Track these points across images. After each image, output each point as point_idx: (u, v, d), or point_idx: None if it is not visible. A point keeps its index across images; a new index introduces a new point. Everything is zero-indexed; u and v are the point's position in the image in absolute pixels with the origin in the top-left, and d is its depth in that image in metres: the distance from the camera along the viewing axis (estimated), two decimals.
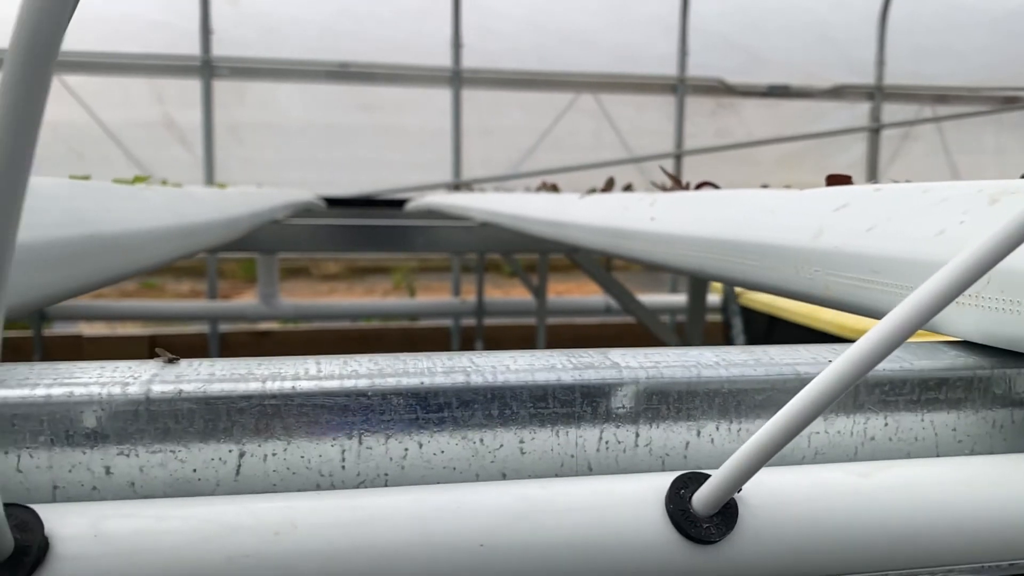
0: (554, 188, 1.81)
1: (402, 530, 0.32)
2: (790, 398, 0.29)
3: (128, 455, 0.35)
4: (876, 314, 0.48)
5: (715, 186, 0.98)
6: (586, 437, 0.38)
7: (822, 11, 6.01)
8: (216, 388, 0.35)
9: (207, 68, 5.60)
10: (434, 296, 6.48)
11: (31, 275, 0.49)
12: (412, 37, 5.88)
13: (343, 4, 5.70)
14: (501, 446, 0.38)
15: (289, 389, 0.36)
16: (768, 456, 0.29)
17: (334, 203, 4.39)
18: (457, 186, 5.40)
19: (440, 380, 0.37)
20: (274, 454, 0.36)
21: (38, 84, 0.21)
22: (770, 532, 0.32)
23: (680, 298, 4.53)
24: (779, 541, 0.32)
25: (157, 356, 0.38)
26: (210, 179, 5.39)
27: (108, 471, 0.35)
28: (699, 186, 0.99)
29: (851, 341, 0.29)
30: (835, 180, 0.64)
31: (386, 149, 5.77)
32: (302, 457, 0.36)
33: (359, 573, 0.30)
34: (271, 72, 5.65)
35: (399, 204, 4.45)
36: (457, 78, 5.72)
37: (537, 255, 3.78)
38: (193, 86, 5.63)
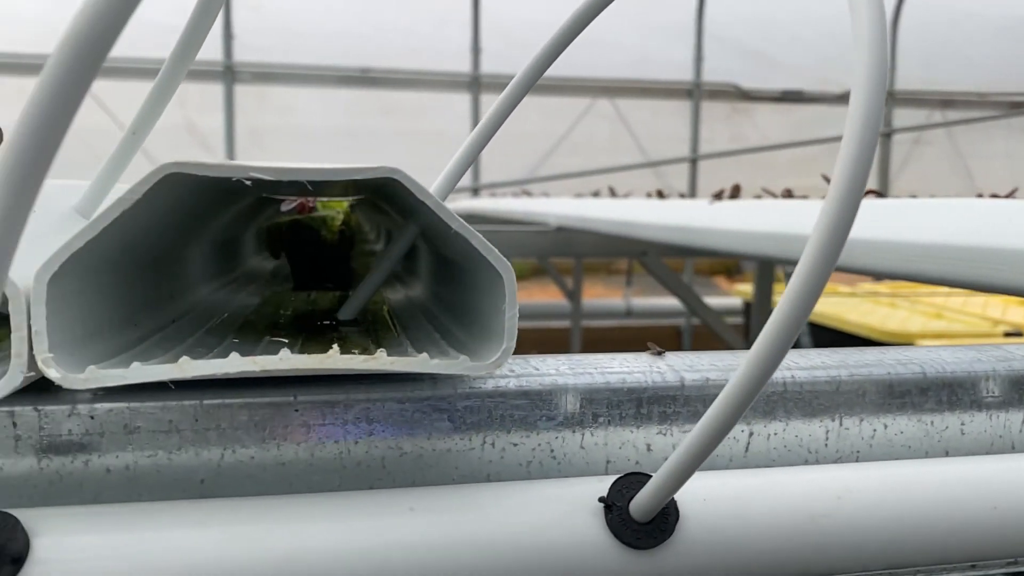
0: (659, 194, 1.88)
1: (926, 500, 0.38)
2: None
3: (665, 434, 0.41)
4: None
5: (880, 194, 1.04)
6: (1012, 420, 0.44)
7: (834, 18, 6.10)
8: (719, 377, 0.42)
9: (229, 73, 5.63)
10: None
11: None
12: (431, 42, 5.93)
13: (364, 10, 5.74)
14: (946, 428, 0.44)
15: (788, 378, 0.42)
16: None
17: None
18: (476, 190, 5.46)
19: (901, 371, 0.44)
20: (775, 433, 0.42)
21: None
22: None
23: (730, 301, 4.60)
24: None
25: (648, 349, 0.45)
26: None
27: (648, 448, 0.41)
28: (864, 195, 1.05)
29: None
30: None
31: (406, 153, 5.82)
32: (796, 436, 0.43)
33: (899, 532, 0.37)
34: (292, 77, 5.68)
35: None
36: (476, 83, 5.79)
37: (573, 259, 3.83)
38: (215, 91, 5.66)
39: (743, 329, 3.49)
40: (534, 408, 0.40)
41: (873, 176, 5.91)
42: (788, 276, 0.35)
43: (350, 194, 0.60)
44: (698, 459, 0.32)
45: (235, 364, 0.32)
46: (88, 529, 0.32)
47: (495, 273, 0.34)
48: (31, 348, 0.31)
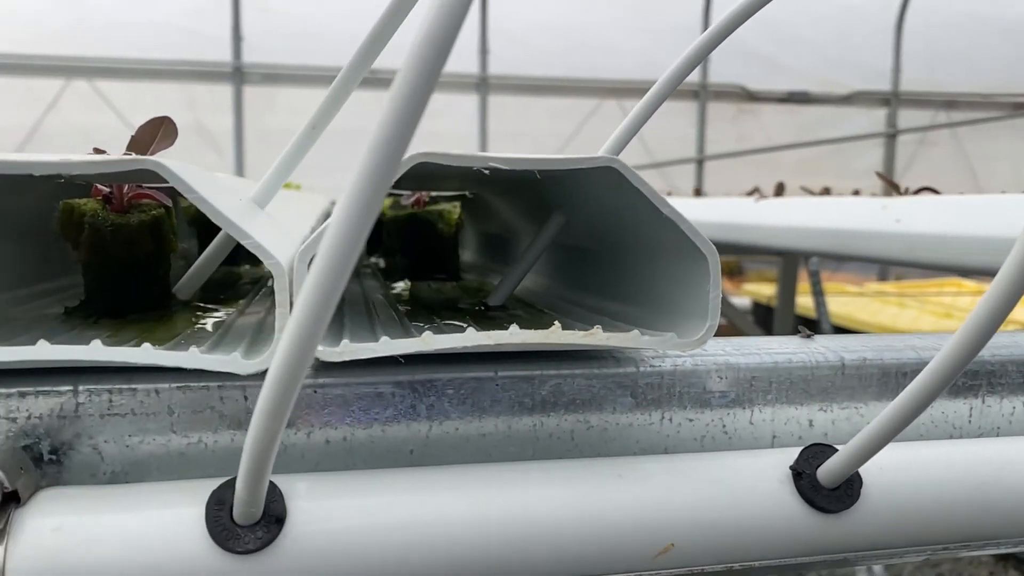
0: (696, 193, 1.90)
1: None
2: None
3: (825, 411, 0.44)
4: None
5: (935, 191, 1.07)
6: None
7: (840, 20, 6.14)
8: (875, 358, 0.44)
9: (238, 74, 5.65)
10: None
11: None
12: None
13: (371, 12, 5.75)
14: None
15: None
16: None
17: None
18: None
19: None
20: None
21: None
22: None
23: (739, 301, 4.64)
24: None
25: (798, 333, 0.47)
26: None
27: (811, 423, 0.44)
28: (917, 191, 1.08)
29: None
30: None
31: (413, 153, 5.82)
32: (942, 412, 0.45)
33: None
34: (301, 78, 5.70)
35: None
36: (484, 84, 5.81)
37: None
38: (224, 92, 5.68)
39: (763, 326, 3.52)
40: (708, 386, 0.42)
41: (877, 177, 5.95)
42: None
43: (476, 189, 0.62)
44: (891, 433, 0.35)
45: (472, 339, 0.35)
46: (333, 493, 0.35)
47: (699, 255, 0.37)
48: None
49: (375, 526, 0.34)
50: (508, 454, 0.41)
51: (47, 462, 0.36)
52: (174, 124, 0.49)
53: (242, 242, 0.33)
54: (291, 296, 0.34)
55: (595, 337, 0.36)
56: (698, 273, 0.38)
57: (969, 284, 4.42)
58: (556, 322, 0.36)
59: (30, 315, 0.48)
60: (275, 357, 0.26)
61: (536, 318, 0.49)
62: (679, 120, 6.34)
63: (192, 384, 0.37)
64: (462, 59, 5.90)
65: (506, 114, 5.99)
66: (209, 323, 0.45)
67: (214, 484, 0.34)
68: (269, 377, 0.27)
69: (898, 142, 6.16)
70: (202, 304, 0.50)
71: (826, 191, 1.52)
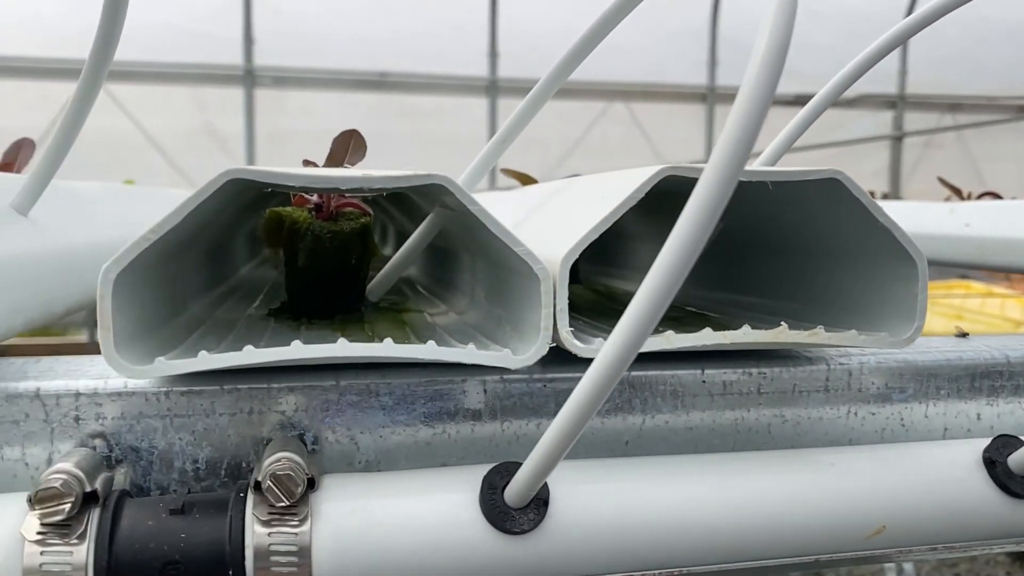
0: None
1: None
2: None
3: (991, 404, 0.47)
4: None
5: (997, 196, 1.11)
6: None
7: (846, 23, 6.19)
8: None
9: (249, 77, 5.67)
10: None
11: None
12: (449, 48, 5.98)
13: (382, 16, 5.78)
14: None
15: None
16: None
17: None
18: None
19: None
20: None
21: None
22: None
23: None
24: None
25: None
26: None
27: (978, 417, 0.47)
28: (980, 196, 1.11)
29: None
30: None
31: (423, 156, 5.85)
32: None
33: None
34: (311, 81, 5.72)
35: None
36: (493, 87, 5.85)
37: None
38: (234, 95, 5.70)
39: None
40: (890, 382, 0.46)
41: (884, 179, 6.00)
42: None
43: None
44: None
45: (710, 337, 0.38)
46: (585, 479, 0.38)
47: (904, 260, 0.40)
48: (555, 323, 0.37)
49: (626, 509, 0.37)
50: (712, 446, 0.44)
51: (310, 452, 0.39)
52: (362, 137, 0.52)
53: (515, 249, 0.36)
54: (554, 299, 0.37)
55: (817, 336, 0.39)
56: (899, 276, 0.41)
57: (977, 286, 4.47)
58: (783, 323, 0.39)
59: (232, 317, 0.51)
60: (602, 351, 0.29)
61: (696, 319, 0.52)
62: (687, 123, 6.37)
63: (438, 379, 0.40)
64: (471, 63, 5.93)
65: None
66: (418, 322, 0.48)
67: (478, 470, 0.37)
68: (592, 370, 0.30)
69: (904, 144, 6.20)
70: (387, 306, 0.53)
71: (885, 196, 1.54)
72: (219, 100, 5.71)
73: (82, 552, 0.32)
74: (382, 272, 0.53)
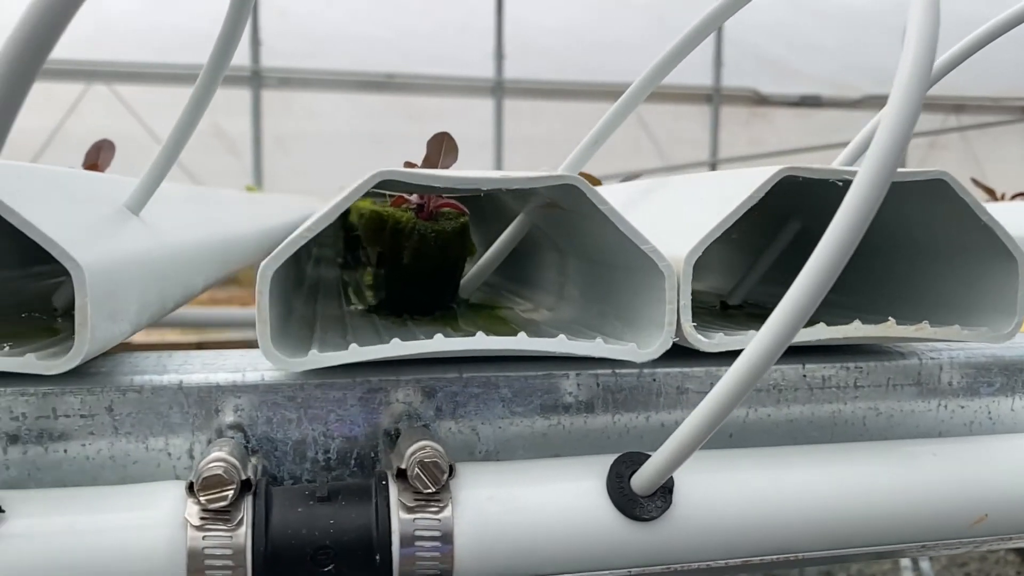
0: None
1: None
2: None
3: None
4: None
5: None
6: None
7: (851, 24, 6.20)
8: None
9: (256, 78, 5.69)
10: None
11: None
12: (455, 49, 5.99)
13: (388, 17, 5.80)
14: None
15: None
16: None
17: None
18: None
19: None
20: None
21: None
22: None
23: None
24: None
25: None
26: (259, 187, 5.45)
27: None
28: (1014, 197, 1.13)
29: None
30: None
31: None
32: None
33: None
34: (318, 83, 5.74)
35: None
36: (499, 88, 5.86)
37: None
38: (241, 96, 5.71)
39: None
40: (976, 377, 0.47)
41: None
42: None
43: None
44: None
45: (824, 332, 0.40)
46: (702, 468, 0.39)
47: (1008, 258, 0.42)
48: (679, 319, 0.38)
49: (744, 497, 0.39)
50: (810, 438, 0.45)
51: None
52: (453, 140, 0.54)
53: (642, 247, 0.37)
54: (678, 294, 0.38)
55: (923, 331, 0.41)
56: (999, 273, 0.42)
57: None
58: (891, 318, 0.41)
59: (334, 314, 0.53)
60: (752, 343, 0.31)
61: None
62: (692, 123, 6.39)
63: (555, 372, 0.42)
64: (477, 64, 5.95)
65: (521, 118, 6.04)
66: (514, 319, 0.50)
67: (601, 460, 0.39)
68: (739, 363, 0.31)
69: (909, 145, 6.21)
70: (479, 303, 0.55)
71: None
72: (226, 101, 5.72)
73: (241, 536, 0.34)
74: (474, 270, 0.54)
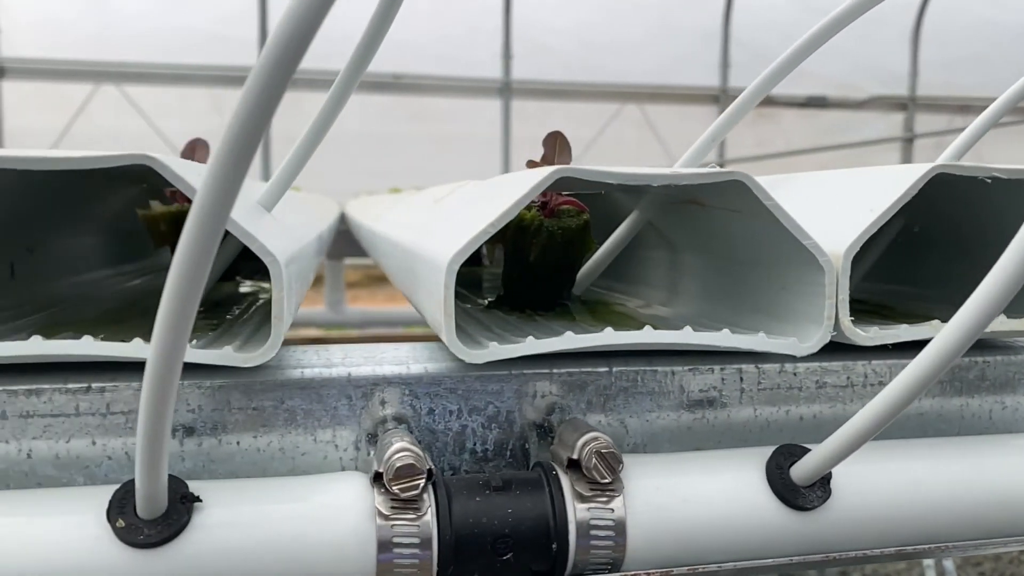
0: None
1: None
2: None
3: None
4: None
5: None
6: None
7: (858, 25, 6.18)
8: None
9: None
10: None
11: None
12: (462, 50, 6.00)
13: (397, 18, 5.82)
14: None
15: None
16: None
17: None
18: None
19: None
20: None
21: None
22: None
23: None
24: None
25: None
26: None
27: None
28: None
29: None
30: None
31: (438, 158, 5.87)
32: None
33: None
34: (327, 83, 5.72)
35: None
36: (507, 89, 5.87)
37: None
38: None
39: None
40: None
41: None
42: None
43: None
44: None
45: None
46: (856, 460, 0.40)
47: None
48: (837, 313, 0.39)
49: (898, 488, 0.40)
50: (939, 431, 0.46)
51: None
52: (566, 139, 0.54)
53: (804, 242, 0.38)
54: (837, 289, 0.39)
55: None
56: None
57: None
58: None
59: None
60: (940, 337, 0.32)
61: (883, 311, 0.55)
62: (699, 124, 6.36)
63: (699, 366, 0.43)
64: (485, 64, 5.95)
65: (528, 118, 6.05)
66: (635, 315, 0.51)
67: (755, 453, 0.40)
68: (925, 357, 0.32)
69: (915, 146, 6.24)
70: (592, 300, 0.56)
71: None
72: (235, 102, 5.70)
73: (427, 525, 0.35)
74: (588, 266, 0.55)
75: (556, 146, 0.53)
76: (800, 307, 0.41)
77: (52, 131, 5.38)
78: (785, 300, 0.42)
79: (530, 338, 0.37)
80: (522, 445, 0.41)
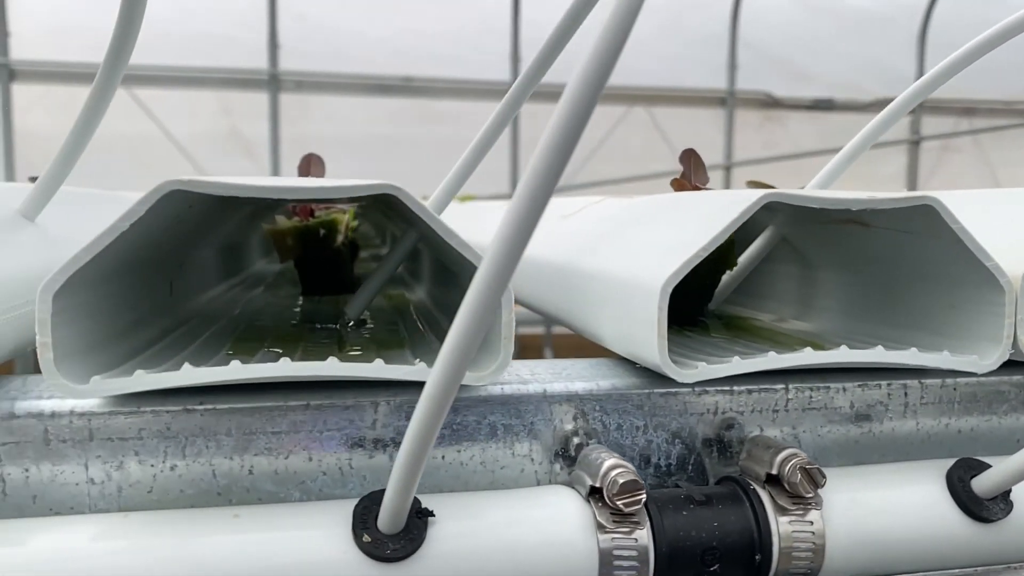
0: None
1: None
2: None
3: None
4: None
5: None
6: None
7: (865, 28, 6.25)
8: None
9: (274, 82, 5.71)
10: None
11: None
12: (471, 52, 6.02)
13: (406, 21, 5.83)
14: None
15: None
16: None
17: None
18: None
19: None
20: None
21: None
22: None
23: None
24: None
25: None
26: None
27: None
28: None
29: None
30: None
31: (447, 160, 5.86)
32: None
33: None
34: (336, 86, 5.76)
35: None
36: None
37: None
38: (260, 99, 5.74)
39: None
40: None
41: (902, 183, 6.06)
42: None
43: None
44: None
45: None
46: None
47: None
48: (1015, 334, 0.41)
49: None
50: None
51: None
52: (699, 156, 0.56)
53: (986, 263, 0.40)
54: (1015, 309, 0.41)
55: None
56: None
57: None
58: None
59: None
60: None
61: None
62: (706, 127, 6.42)
63: (868, 383, 0.44)
64: (494, 67, 5.97)
65: (536, 121, 6.06)
66: (766, 333, 0.52)
67: (934, 465, 0.41)
68: None
69: (921, 148, 6.28)
70: (722, 315, 0.57)
71: None
72: (244, 105, 5.74)
73: (643, 538, 0.36)
74: (724, 282, 0.57)
75: (691, 163, 0.55)
76: (971, 325, 0.43)
77: (62, 134, 5.38)
78: (953, 318, 0.44)
79: (736, 358, 0.38)
80: (701, 460, 0.43)
